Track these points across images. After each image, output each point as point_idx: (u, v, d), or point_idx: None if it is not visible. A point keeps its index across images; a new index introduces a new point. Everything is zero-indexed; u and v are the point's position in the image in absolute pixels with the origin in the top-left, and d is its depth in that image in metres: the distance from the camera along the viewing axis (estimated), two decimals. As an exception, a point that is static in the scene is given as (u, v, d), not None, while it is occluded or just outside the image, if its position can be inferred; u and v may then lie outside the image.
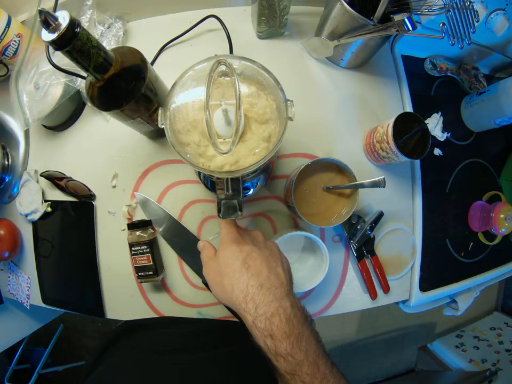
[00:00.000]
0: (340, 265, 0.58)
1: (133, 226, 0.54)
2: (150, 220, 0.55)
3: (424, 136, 0.51)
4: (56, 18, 0.29)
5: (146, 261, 0.53)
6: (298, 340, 0.30)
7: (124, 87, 0.39)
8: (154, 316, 0.57)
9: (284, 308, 0.31)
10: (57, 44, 0.30)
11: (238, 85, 0.31)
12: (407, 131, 0.51)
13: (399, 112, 0.50)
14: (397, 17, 0.44)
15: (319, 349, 0.31)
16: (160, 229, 0.56)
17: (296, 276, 0.53)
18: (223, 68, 0.33)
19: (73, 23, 0.30)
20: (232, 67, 0.32)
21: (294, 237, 0.51)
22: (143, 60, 0.40)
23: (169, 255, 0.57)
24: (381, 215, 0.56)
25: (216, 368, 0.37)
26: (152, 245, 0.54)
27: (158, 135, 0.56)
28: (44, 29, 0.29)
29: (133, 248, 0.53)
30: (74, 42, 0.30)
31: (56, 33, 0.29)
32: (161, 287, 0.57)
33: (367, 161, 0.59)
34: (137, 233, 0.53)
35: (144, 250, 0.53)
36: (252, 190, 0.53)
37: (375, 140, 0.54)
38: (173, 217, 0.56)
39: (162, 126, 0.34)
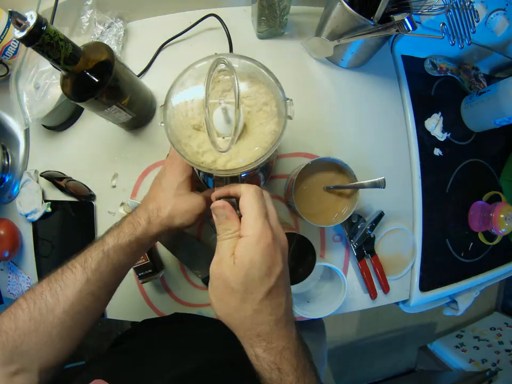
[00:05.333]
0: (340, 265, 0.58)
1: None
2: None
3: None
4: (25, 18, 0.32)
5: (143, 260, 0.53)
6: (303, 373, 0.30)
7: (95, 75, 0.41)
8: (155, 315, 0.57)
9: (292, 341, 0.30)
10: (27, 40, 0.33)
11: (238, 84, 0.31)
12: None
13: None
14: (397, 17, 0.44)
15: (317, 380, 0.31)
16: None
17: (314, 301, 0.55)
18: (222, 66, 0.33)
19: (40, 21, 0.32)
20: (231, 65, 0.32)
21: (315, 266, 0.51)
22: (108, 49, 0.42)
23: (169, 254, 0.57)
24: (381, 215, 0.56)
25: None
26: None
27: (136, 124, 0.56)
28: (15, 29, 0.32)
29: (130, 249, 0.53)
30: (43, 36, 0.33)
31: (25, 31, 0.32)
32: (162, 286, 0.57)
33: (368, 161, 0.59)
34: None
35: (142, 250, 0.53)
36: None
37: None
38: None
39: (162, 125, 0.34)
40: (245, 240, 0.28)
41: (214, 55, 0.35)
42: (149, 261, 0.53)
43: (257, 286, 0.28)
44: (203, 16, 0.58)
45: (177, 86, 0.35)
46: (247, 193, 0.30)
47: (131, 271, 0.56)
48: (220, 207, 0.30)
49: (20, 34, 0.32)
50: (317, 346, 0.63)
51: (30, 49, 0.35)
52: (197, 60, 0.35)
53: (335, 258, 0.58)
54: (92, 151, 0.59)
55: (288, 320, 0.30)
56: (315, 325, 0.68)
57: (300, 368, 0.29)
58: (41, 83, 0.54)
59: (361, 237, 0.56)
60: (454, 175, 0.65)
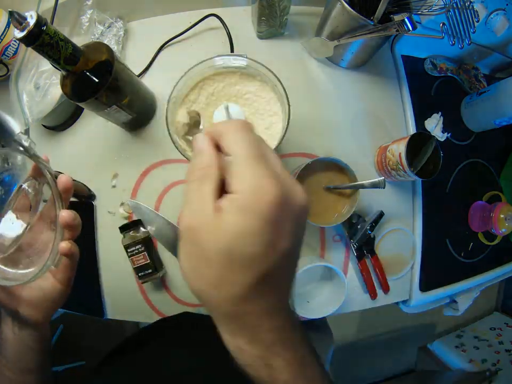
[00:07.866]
0: (340, 265, 0.58)
1: (124, 228, 0.54)
2: (139, 219, 0.56)
3: (435, 151, 0.51)
4: (25, 18, 0.32)
5: (143, 260, 0.53)
6: (301, 367, 0.22)
7: (95, 75, 0.41)
8: (155, 315, 0.57)
9: (286, 331, 0.22)
10: (27, 40, 0.33)
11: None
12: (417, 148, 0.51)
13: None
14: (397, 17, 0.44)
15: (321, 372, 0.24)
16: (153, 228, 0.56)
17: (314, 301, 0.55)
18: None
19: (40, 21, 0.32)
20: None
21: (315, 266, 0.52)
22: (108, 49, 0.43)
23: (169, 254, 0.57)
24: (381, 214, 0.56)
25: None
26: (147, 243, 0.54)
27: (136, 124, 0.56)
28: (15, 29, 0.32)
29: (129, 250, 0.54)
30: (43, 36, 0.33)
31: (25, 31, 0.32)
32: (162, 286, 0.57)
33: (367, 161, 0.59)
34: (130, 233, 0.54)
35: (140, 250, 0.53)
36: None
37: (389, 168, 0.54)
38: (164, 219, 0.56)
39: (167, 131, 0.34)
40: (233, 197, 0.18)
41: (215, 55, 0.35)
42: (149, 261, 0.53)
43: (246, 267, 0.18)
44: (203, 16, 0.58)
45: (179, 84, 0.35)
46: (230, 129, 0.20)
47: (131, 269, 0.56)
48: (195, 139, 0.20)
49: (19, 34, 0.32)
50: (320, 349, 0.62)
51: (30, 49, 0.35)
52: (198, 62, 0.35)
53: (335, 258, 0.58)
54: (92, 151, 0.59)
55: (282, 308, 0.22)
56: (319, 327, 0.67)
57: (297, 362, 0.22)
58: (41, 83, 0.54)
59: (361, 237, 0.56)
60: (454, 175, 0.65)
